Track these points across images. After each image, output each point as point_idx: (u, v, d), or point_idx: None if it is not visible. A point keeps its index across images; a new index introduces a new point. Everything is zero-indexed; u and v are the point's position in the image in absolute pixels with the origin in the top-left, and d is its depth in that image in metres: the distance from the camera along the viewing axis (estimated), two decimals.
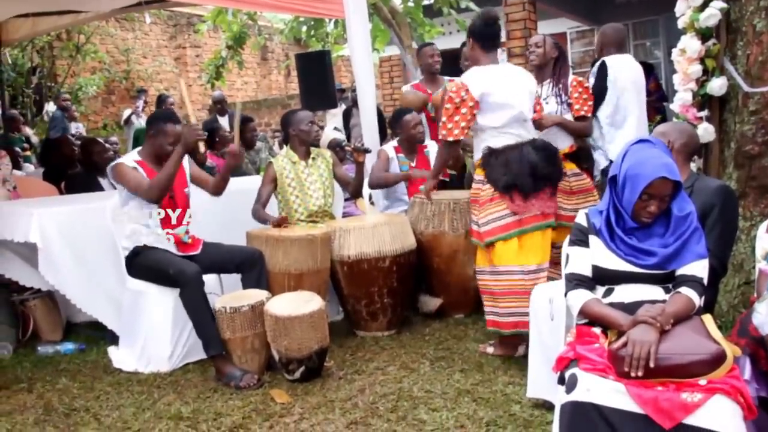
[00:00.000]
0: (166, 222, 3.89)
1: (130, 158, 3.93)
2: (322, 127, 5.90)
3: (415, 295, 4.57)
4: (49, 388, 3.65)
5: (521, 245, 3.54)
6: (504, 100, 3.57)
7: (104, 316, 4.25)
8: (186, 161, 4.08)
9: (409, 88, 5.61)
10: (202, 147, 3.84)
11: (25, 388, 3.66)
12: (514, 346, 3.65)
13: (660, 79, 9.89)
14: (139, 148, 4.03)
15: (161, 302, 3.86)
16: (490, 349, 3.74)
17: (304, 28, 10.37)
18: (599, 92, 4.30)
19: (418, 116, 5.04)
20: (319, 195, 4.53)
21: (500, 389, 3.25)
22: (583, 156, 4.32)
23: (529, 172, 3.51)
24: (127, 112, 11.06)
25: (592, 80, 4.38)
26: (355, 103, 6.59)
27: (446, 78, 5.63)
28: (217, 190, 4.13)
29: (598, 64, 4.42)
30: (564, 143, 4.13)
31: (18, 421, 3.23)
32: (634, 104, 4.35)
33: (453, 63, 5.49)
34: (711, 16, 3.72)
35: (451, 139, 3.64)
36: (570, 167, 4.06)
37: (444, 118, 3.64)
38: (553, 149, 3.70)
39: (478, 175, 3.68)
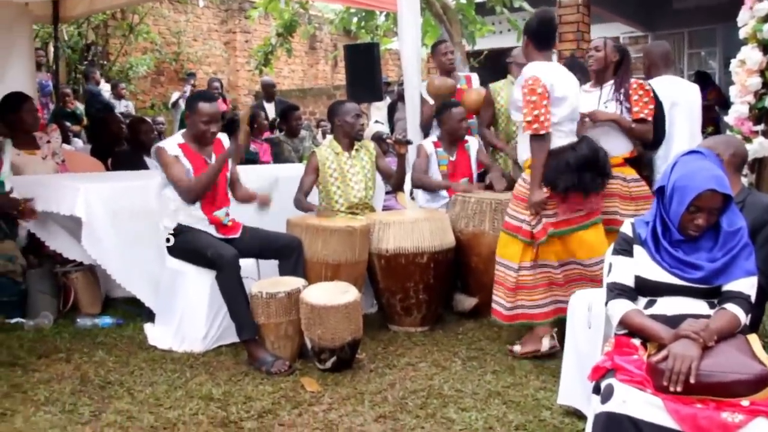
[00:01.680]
0: (206, 205, 3.92)
1: (174, 142, 3.95)
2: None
3: (450, 293, 4.55)
4: (86, 359, 3.72)
5: (563, 244, 3.61)
6: (563, 94, 3.55)
7: (142, 292, 4.30)
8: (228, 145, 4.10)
9: (436, 76, 5.57)
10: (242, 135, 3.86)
11: (63, 358, 3.73)
12: (538, 339, 3.66)
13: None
14: (183, 131, 4.07)
15: (198, 283, 3.90)
16: (517, 348, 3.72)
17: (355, 20, 10.37)
18: (659, 118, 4.12)
19: (465, 112, 4.99)
20: (360, 187, 4.53)
21: (531, 393, 3.22)
22: (643, 163, 4.22)
23: (585, 174, 3.51)
24: (175, 95, 11.20)
25: None
26: (400, 96, 6.57)
27: (461, 74, 5.62)
28: (240, 200, 4.20)
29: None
30: (624, 147, 4.01)
31: (56, 390, 3.30)
32: (684, 119, 4.24)
33: (503, 62, 5.44)
34: None
35: (543, 132, 3.52)
36: (630, 172, 3.98)
37: (535, 111, 3.51)
38: (602, 149, 3.65)
39: (527, 174, 3.65)
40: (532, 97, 3.50)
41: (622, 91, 4.00)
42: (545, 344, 3.63)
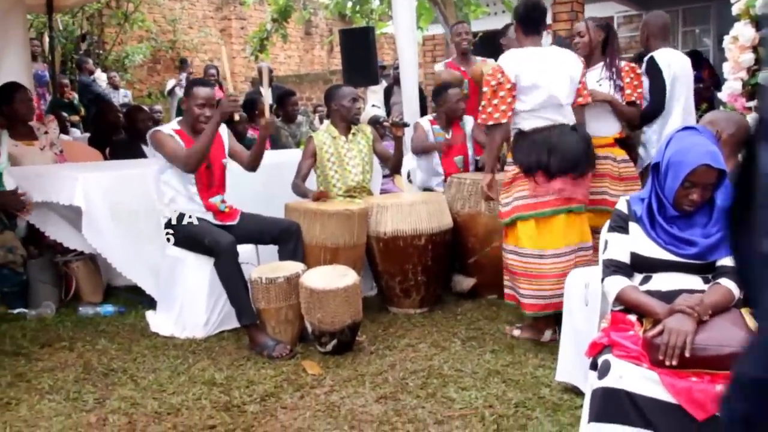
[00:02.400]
0: (202, 191, 3.92)
1: (169, 127, 3.96)
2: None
3: (448, 274, 4.56)
4: (89, 347, 3.74)
5: (539, 229, 3.55)
6: (532, 82, 3.53)
7: (143, 280, 4.32)
8: (225, 133, 4.10)
9: (443, 67, 5.57)
10: (236, 116, 3.84)
11: (67, 347, 3.75)
12: (540, 330, 3.65)
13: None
14: (180, 118, 4.06)
15: (198, 270, 3.91)
16: (517, 332, 3.74)
17: (350, 4, 10.35)
18: (661, 88, 4.19)
19: (461, 92, 5.00)
20: (357, 171, 4.53)
21: (530, 371, 3.24)
22: (631, 144, 4.25)
23: (554, 155, 3.49)
24: (171, 83, 11.16)
25: (645, 79, 4.28)
26: (396, 80, 6.56)
27: (478, 58, 5.57)
28: (253, 164, 4.14)
29: (647, 60, 4.31)
30: (613, 128, 4.03)
31: (59, 378, 3.32)
32: (682, 94, 4.25)
33: (497, 43, 5.42)
34: None
35: (491, 122, 3.60)
36: (620, 153, 3.99)
37: (483, 102, 3.62)
38: (587, 136, 3.65)
39: (509, 157, 3.70)
40: (485, 89, 3.62)
41: (614, 70, 4.01)
42: (546, 335, 3.63)
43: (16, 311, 4.32)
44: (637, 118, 4.15)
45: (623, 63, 4.10)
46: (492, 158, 3.78)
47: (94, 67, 10.16)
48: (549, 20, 9.85)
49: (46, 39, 9.17)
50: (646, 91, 4.27)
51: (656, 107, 4.22)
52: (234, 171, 4.16)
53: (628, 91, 4.06)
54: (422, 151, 4.95)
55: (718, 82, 8.30)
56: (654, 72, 4.24)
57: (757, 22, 3.69)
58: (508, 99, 3.54)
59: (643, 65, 4.31)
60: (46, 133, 5.16)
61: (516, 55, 3.61)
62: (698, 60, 7.86)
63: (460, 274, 4.57)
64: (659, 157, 2.44)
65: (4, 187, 4.40)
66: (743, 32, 3.71)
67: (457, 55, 5.56)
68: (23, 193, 4.34)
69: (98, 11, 12.20)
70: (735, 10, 3.79)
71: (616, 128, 4.05)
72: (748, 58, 3.71)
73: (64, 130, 6.84)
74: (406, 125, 4.57)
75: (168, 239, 3.98)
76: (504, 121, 3.59)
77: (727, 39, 3.83)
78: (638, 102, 4.09)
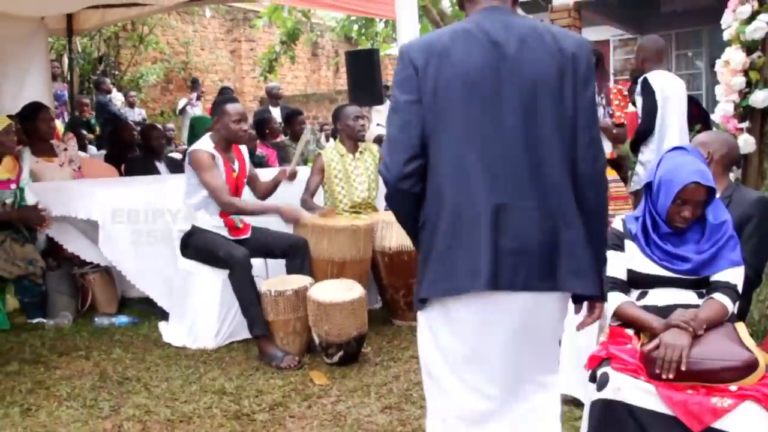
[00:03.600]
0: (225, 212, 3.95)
1: (208, 145, 3.89)
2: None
3: None
4: (104, 357, 3.74)
5: None
6: None
7: (156, 293, 4.34)
8: (247, 156, 4.15)
9: None
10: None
11: (83, 356, 3.76)
12: None
13: (701, 90, 9.68)
14: (211, 134, 4.01)
15: (210, 282, 3.92)
16: None
17: (355, 27, 10.42)
18: (652, 108, 4.22)
19: None
20: (363, 188, 4.55)
21: None
22: (621, 164, 4.27)
23: None
24: (182, 102, 11.23)
25: (638, 99, 4.31)
26: None
27: None
28: (265, 195, 4.25)
29: (640, 81, 4.34)
30: (605, 149, 4.07)
31: (77, 386, 3.33)
32: (675, 115, 4.28)
33: None
34: (758, 29, 3.64)
35: None
36: (611, 173, 4.01)
37: None
38: None
39: None
40: None
41: (603, 95, 4.05)
42: None
43: (35, 321, 4.34)
44: (624, 137, 4.19)
45: (612, 85, 4.16)
46: None
47: (110, 86, 10.22)
48: None
49: (66, 60, 9.26)
50: (640, 111, 4.31)
51: (647, 126, 4.25)
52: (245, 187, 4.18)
53: (618, 114, 4.10)
54: None
55: (707, 118, 8.33)
56: (647, 93, 4.27)
57: (748, 47, 3.71)
58: None
59: (638, 86, 4.35)
60: (65, 150, 5.20)
61: None
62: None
63: None
64: (651, 177, 2.47)
65: (26, 201, 4.42)
66: (734, 57, 3.73)
67: None
68: (44, 208, 4.36)
69: (115, 34, 12.29)
70: (726, 35, 3.83)
71: (607, 149, 4.08)
72: (740, 81, 3.73)
73: (82, 147, 6.88)
74: None
75: (182, 252, 3.99)
76: None
77: (719, 63, 3.86)
78: (623, 122, 4.15)
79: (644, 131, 4.25)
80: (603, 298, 1.92)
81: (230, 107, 3.90)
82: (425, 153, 1.75)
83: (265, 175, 4.46)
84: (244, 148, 4.10)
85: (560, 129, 1.74)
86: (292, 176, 4.39)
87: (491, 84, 1.72)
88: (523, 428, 1.84)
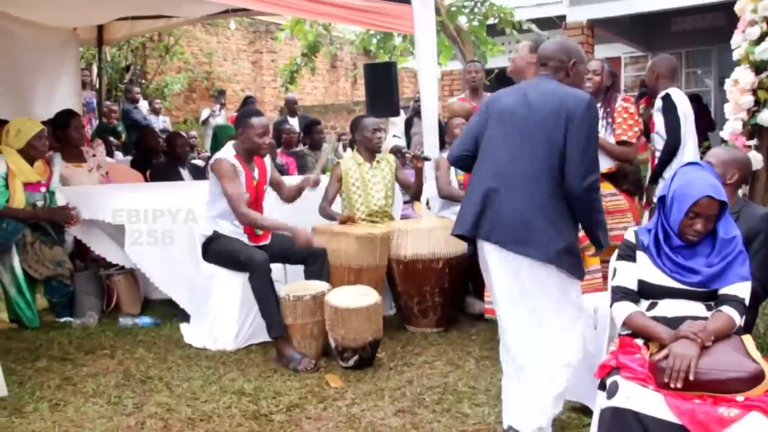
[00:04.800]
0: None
1: (230, 154, 3.93)
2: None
3: (463, 296, 4.57)
4: (128, 356, 3.78)
5: None
6: None
7: (178, 295, 4.38)
8: (269, 165, 4.20)
9: (456, 101, 5.65)
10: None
11: (108, 354, 3.80)
12: None
13: (710, 107, 9.64)
14: (234, 143, 4.06)
15: (230, 286, 3.96)
16: None
17: (374, 41, 10.42)
18: (677, 125, 4.16)
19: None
20: (380, 196, 4.57)
21: None
22: (621, 177, 4.21)
23: None
24: (205, 113, 11.31)
25: (658, 115, 4.26)
26: (417, 112, 6.61)
27: (488, 94, 5.63)
28: (290, 199, 4.31)
29: (661, 98, 4.28)
30: (603, 164, 4.03)
31: (102, 383, 3.36)
32: (690, 133, 4.26)
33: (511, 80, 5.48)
34: (766, 50, 3.63)
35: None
36: (607, 188, 3.96)
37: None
38: None
39: None
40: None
41: (608, 111, 4.04)
42: None
43: (62, 320, 4.40)
44: (630, 155, 4.09)
45: (619, 101, 4.10)
46: None
47: (138, 96, 10.32)
48: None
49: (95, 69, 9.37)
50: (660, 128, 4.25)
51: (674, 143, 4.18)
52: (266, 196, 4.22)
53: (618, 131, 4.04)
54: (447, 197, 4.73)
55: (712, 124, 8.30)
56: (671, 110, 4.21)
57: (757, 67, 3.71)
58: None
59: (657, 103, 4.31)
60: (94, 155, 5.27)
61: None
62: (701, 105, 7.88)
63: (473, 297, 4.58)
64: (665, 191, 2.47)
65: (56, 204, 4.49)
66: (743, 76, 3.72)
67: (468, 90, 5.65)
68: (73, 207, 4.42)
69: (142, 44, 12.43)
70: (735, 55, 3.82)
71: (605, 164, 4.02)
72: (748, 100, 3.72)
73: (109, 153, 6.96)
74: (427, 159, 4.60)
75: (203, 256, 4.03)
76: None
77: (728, 82, 3.85)
78: (632, 141, 4.05)
79: (671, 147, 4.18)
80: (560, 265, 2.54)
81: (255, 121, 3.94)
82: (475, 148, 2.74)
83: (290, 182, 4.51)
84: (267, 159, 4.15)
85: (550, 152, 2.53)
86: (316, 183, 4.47)
87: (510, 118, 2.63)
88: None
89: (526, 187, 2.53)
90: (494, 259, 2.62)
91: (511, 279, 2.59)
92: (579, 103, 2.54)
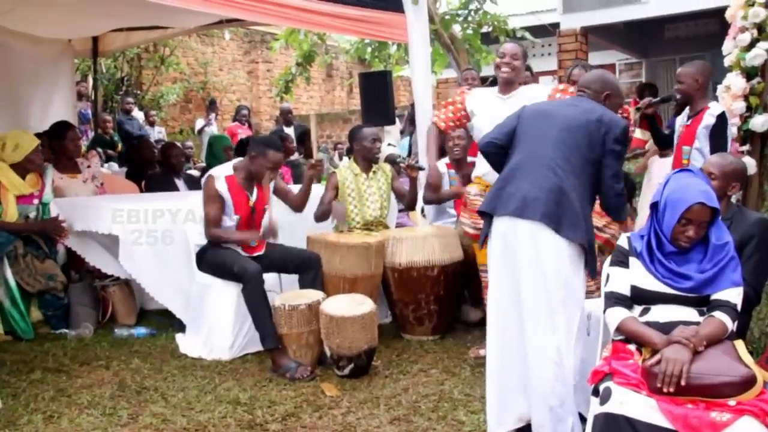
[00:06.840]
0: (241, 228, 4.01)
1: (223, 172, 4.00)
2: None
3: (459, 304, 4.58)
4: (123, 366, 3.78)
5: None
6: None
7: (173, 305, 4.37)
8: (270, 184, 4.21)
9: None
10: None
11: (103, 365, 3.80)
12: None
13: None
14: (238, 160, 4.11)
15: (225, 296, 3.96)
16: (482, 351, 3.69)
17: (369, 50, 10.44)
18: (726, 149, 3.75)
19: (465, 135, 5.03)
20: (375, 206, 4.58)
21: None
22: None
23: None
24: (200, 123, 11.33)
25: (704, 132, 3.87)
26: (411, 120, 6.64)
27: None
28: (299, 207, 4.34)
29: (719, 117, 3.80)
30: None
31: (97, 394, 3.37)
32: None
33: None
34: (757, 56, 3.65)
35: None
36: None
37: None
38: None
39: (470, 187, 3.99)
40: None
41: None
42: None
43: (58, 331, 4.40)
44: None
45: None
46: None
47: (133, 106, 10.33)
48: (554, 67, 9.94)
49: (90, 80, 9.39)
50: (704, 145, 3.86)
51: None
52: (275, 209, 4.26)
53: None
54: (430, 202, 4.71)
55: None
56: (724, 131, 3.80)
57: (748, 73, 3.73)
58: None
59: (709, 120, 3.84)
60: (88, 167, 5.28)
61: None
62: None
63: (468, 305, 4.58)
64: (658, 197, 2.48)
65: (49, 216, 4.49)
66: (735, 82, 3.74)
67: None
68: (63, 219, 4.43)
69: (138, 55, 12.44)
70: (727, 61, 3.84)
71: None
72: (740, 106, 3.74)
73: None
74: (421, 168, 4.60)
75: (198, 266, 4.04)
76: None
77: (720, 88, 3.87)
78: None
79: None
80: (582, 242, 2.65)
81: (271, 154, 3.96)
82: (505, 140, 2.90)
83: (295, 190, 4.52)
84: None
85: (589, 147, 2.72)
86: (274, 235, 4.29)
87: (548, 118, 2.82)
88: None
89: (547, 175, 2.66)
90: (523, 234, 2.65)
91: (531, 253, 2.64)
92: (616, 122, 2.75)
